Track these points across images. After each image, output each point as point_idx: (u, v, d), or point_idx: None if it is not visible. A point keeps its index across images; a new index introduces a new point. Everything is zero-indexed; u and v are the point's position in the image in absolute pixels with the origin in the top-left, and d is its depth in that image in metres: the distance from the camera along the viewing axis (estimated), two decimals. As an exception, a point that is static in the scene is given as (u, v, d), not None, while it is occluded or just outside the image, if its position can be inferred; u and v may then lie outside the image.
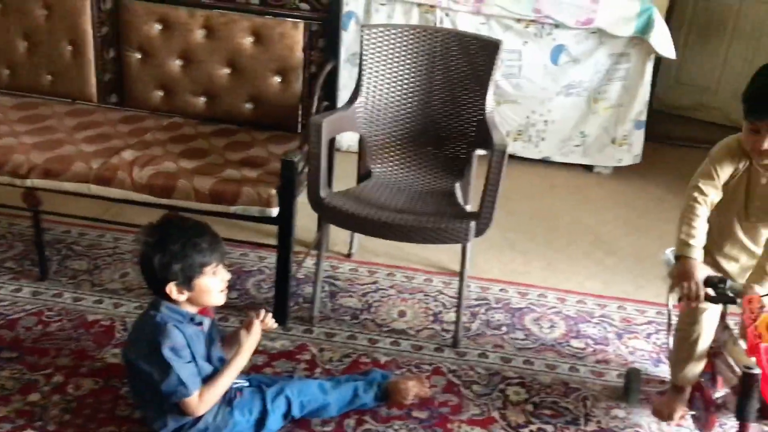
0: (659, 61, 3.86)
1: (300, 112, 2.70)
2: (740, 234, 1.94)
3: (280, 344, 2.33)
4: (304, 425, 2.00)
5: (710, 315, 1.96)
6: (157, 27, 2.68)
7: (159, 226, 1.83)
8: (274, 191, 2.25)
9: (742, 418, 1.72)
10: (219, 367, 1.87)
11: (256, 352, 2.24)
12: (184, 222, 1.87)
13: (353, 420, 2.04)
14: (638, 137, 3.84)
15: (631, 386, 2.21)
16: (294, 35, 2.63)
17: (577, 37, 3.63)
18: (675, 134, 4.52)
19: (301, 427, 2.00)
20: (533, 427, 2.09)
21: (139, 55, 2.72)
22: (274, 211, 2.27)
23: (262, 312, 1.94)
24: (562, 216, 3.44)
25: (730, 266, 1.99)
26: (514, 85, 3.74)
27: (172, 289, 1.77)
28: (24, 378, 2.11)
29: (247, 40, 2.65)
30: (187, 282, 1.78)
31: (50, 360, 2.18)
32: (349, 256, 2.89)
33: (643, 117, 3.81)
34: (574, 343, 2.49)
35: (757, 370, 1.65)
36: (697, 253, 1.81)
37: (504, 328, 2.53)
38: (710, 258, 1.99)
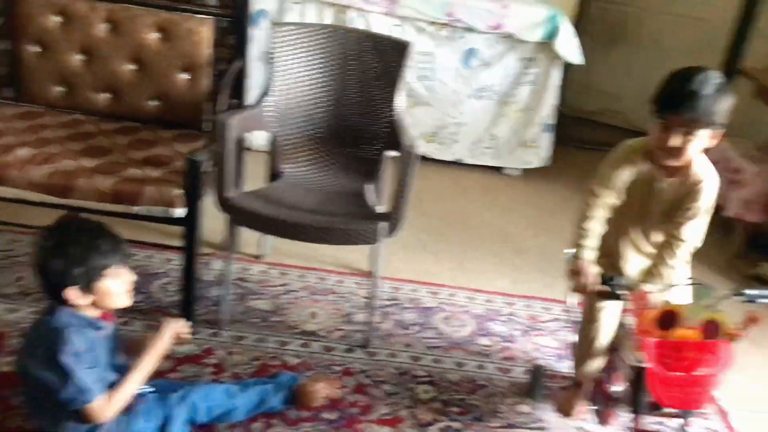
0: (568, 66, 3.98)
1: (208, 111, 2.64)
2: (637, 236, 2.02)
3: (187, 348, 2.27)
4: (210, 430, 1.96)
5: (609, 313, 2.03)
6: (56, 19, 2.57)
7: (56, 228, 1.75)
8: (178, 191, 2.19)
9: (634, 410, 1.79)
10: (121, 374, 1.80)
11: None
12: (83, 224, 1.80)
13: (261, 423, 2.01)
14: (546, 140, 3.95)
15: (536, 382, 2.26)
16: (202, 31, 2.57)
17: (487, 41, 3.71)
18: (582, 138, 4.68)
19: (206, 432, 1.95)
20: (441, 425, 2.11)
21: (36, 49, 2.60)
22: (179, 212, 2.21)
23: (181, 320, 1.88)
24: (473, 217, 3.50)
25: (626, 267, 2.06)
26: (427, 87, 3.78)
27: (73, 293, 1.69)
28: None
29: (153, 36, 2.57)
30: (88, 286, 1.70)
31: (-65, 370, 2.06)
32: (260, 257, 2.84)
33: (551, 120, 3.92)
34: (482, 341, 2.53)
35: (645, 365, 1.72)
36: (589, 254, 1.88)
37: (415, 328, 2.55)
38: (609, 258, 2.06)
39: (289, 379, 2.09)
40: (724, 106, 1.74)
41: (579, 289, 1.86)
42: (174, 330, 1.86)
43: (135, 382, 1.77)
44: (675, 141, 1.77)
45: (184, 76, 2.61)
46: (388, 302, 2.67)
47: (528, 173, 4.04)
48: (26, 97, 2.67)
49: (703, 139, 1.78)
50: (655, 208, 1.94)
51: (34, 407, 1.83)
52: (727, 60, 4.59)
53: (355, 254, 2.92)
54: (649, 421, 1.86)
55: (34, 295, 2.41)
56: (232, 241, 2.41)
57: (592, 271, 1.85)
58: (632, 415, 1.87)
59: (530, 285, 2.96)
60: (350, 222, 2.27)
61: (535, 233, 3.43)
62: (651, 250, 2.01)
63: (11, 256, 2.62)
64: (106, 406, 1.71)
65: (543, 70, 3.79)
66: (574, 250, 1.98)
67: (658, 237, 1.99)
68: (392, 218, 2.30)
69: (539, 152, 3.96)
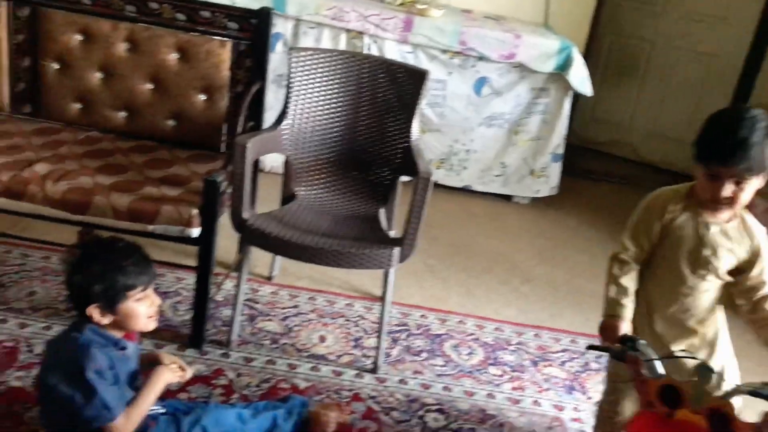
0: (577, 97, 4.02)
1: (224, 132, 2.66)
2: (686, 289, 1.80)
3: (196, 369, 2.26)
4: (220, 453, 1.95)
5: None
6: (78, 38, 2.59)
7: (83, 245, 1.75)
8: (195, 211, 2.20)
9: None
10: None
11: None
12: (113, 242, 1.78)
13: (270, 447, 2.00)
14: (555, 170, 3.97)
15: None
16: (221, 54, 2.60)
17: (499, 71, 3.74)
18: (590, 168, 4.70)
19: (216, 455, 1.94)
20: (451, 454, 2.10)
21: (56, 66, 2.63)
22: (195, 232, 2.22)
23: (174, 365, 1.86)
24: (481, 244, 3.51)
25: (665, 330, 1.84)
26: (438, 114, 3.81)
27: (93, 311, 1.69)
28: None
29: (172, 56, 2.60)
30: (109, 306, 1.69)
31: (-54, 383, 2.05)
32: (270, 278, 2.85)
33: (561, 150, 3.95)
34: (492, 369, 2.53)
35: None
36: (626, 312, 1.74)
37: (424, 354, 2.54)
38: (647, 320, 1.86)
39: (299, 405, 2.06)
40: None
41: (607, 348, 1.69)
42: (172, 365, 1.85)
43: (149, 402, 1.76)
44: (726, 192, 1.65)
45: (202, 97, 2.63)
46: (397, 328, 2.67)
47: (536, 202, 4.05)
48: (44, 113, 2.69)
49: (754, 185, 1.67)
50: (711, 253, 1.76)
51: (50, 422, 1.82)
52: (736, 96, 4.64)
53: (363, 278, 2.93)
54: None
55: (45, 310, 2.42)
56: (244, 261, 2.41)
57: (620, 331, 1.69)
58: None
59: (537, 314, 2.96)
60: (363, 246, 2.28)
61: (541, 261, 3.44)
62: (697, 310, 1.82)
63: (24, 271, 2.62)
64: (125, 425, 1.71)
65: (554, 100, 3.82)
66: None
67: (710, 293, 1.80)
68: (405, 243, 2.30)
69: (548, 181, 3.98)
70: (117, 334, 1.75)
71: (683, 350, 1.78)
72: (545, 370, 2.58)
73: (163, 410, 1.90)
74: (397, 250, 2.29)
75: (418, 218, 2.28)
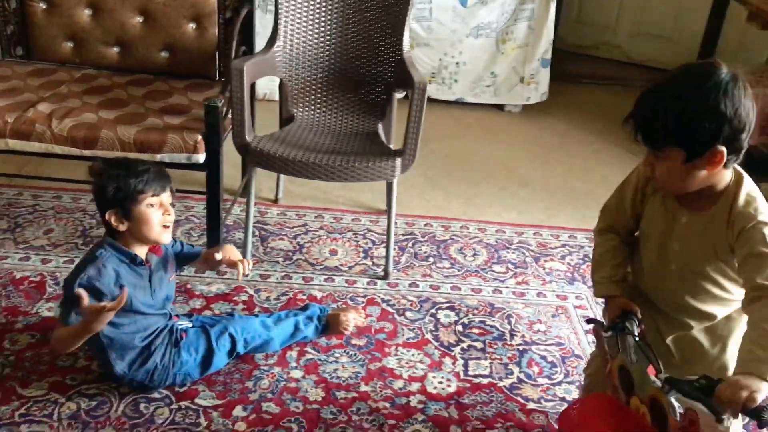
0: (561, 1, 4.02)
1: (218, 60, 2.69)
2: (663, 284, 1.53)
3: (216, 288, 2.38)
4: (249, 360, 2.07)
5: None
6: (62, -25, 2.59)
7: (109, 159, 1.87)
8: (200, 137, 2.27)
9: None
10: (164, 307, 1.90)
11: (194, 296, 2.29)
12: (135, 159, 1.89)
13: (295, 351, 2.13)
14: (545, 75, 4.01)
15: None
16: (207, -20, 2.60)
17: (483, -21, 3.74)
18: (578, 72, 4.73)
19: (245, 361, 2.07)
20: (464, 345, 2.23)
21: (43, 5, 2.63)
22: (201, 157, 2.28)
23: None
24: (477, 154, 3.59)
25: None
26: (426, 28, 3.82)
27: (111, 216, 1.78)
28: (-44, 338, 2.07)
29: (159, -13, 2.60)
30: (125, 211, 1.77)
31: (-19, 319, 2.15)
32: (276, 201, 2.93)
33: (549, 56, 3.97)
34: (496, 268, 2.65)
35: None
36: (615, 289, 1.53)
37: (431, 259, 2.66)
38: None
39: (318, 310, 2.19)
40: (711, 116, 1.27)
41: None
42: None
43: (78, 338, 1.70)
44: (656, 172, 1.38)
45: (192, 26, 2.65)
46: (403, 237, 2.78)
47: (527, 109, 4.11)
48: (37, 54, 2.71)
49: (675, 161, 1.32)
50: (679, 249, 1.47)
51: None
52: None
53: (367, 193, 3.01)
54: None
55: (65, 245, 2.51)
56: (251, 183, 2.49)
57: (614, 308, 1.49)
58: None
59: (536, 215, 3.06)
60: (366, 159, 2.35)
61: (536, 166, 3.52)
62: (669, 309, 1.55)
63: (38, 211, 2.70)
64: (59, 335, 1.72)
65: (539, 5, 3.82)
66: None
67: (680, 294, 1.51)
68: (406, 153, 2.38)
69: (538, 88, 4.02)
70: (137, 250, 1.84)
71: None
72: (547, 264, 2.70)
73: (190, 324, 2.01)
74: (398, 161, 2.37)
75: (416, 127, 2.35)
